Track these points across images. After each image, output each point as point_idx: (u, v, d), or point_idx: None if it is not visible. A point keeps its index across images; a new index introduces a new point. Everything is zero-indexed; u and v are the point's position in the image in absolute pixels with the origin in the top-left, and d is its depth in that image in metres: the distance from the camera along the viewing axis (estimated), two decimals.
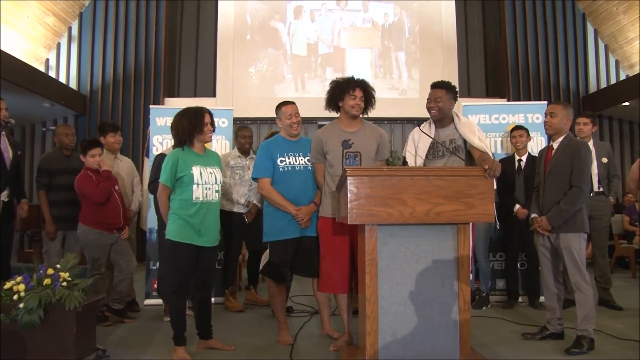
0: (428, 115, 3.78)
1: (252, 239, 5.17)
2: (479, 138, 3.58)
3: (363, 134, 3.68)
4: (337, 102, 3.69)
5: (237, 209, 5.05)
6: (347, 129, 3.68)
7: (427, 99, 3.73)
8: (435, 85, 3.73)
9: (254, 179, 3.97)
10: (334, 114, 3.81)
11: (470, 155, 3.60)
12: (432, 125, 3.76)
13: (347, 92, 3.61)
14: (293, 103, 3.96)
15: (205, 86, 10.09)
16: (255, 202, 5.13)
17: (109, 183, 4.40)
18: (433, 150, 3.70)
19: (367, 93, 3.67)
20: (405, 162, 3.84)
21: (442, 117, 3.70)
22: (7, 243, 4.64)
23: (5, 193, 4.47)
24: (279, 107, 3.96)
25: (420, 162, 3.68)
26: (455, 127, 3.68)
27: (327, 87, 3.75)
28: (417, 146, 3.75)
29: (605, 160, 5.01)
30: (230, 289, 5.12)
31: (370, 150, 3.66)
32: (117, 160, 5.07)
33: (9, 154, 4.55)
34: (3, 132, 4.54)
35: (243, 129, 5.26)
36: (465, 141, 3.62)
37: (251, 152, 5.25)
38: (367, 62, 9.75)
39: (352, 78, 3.68)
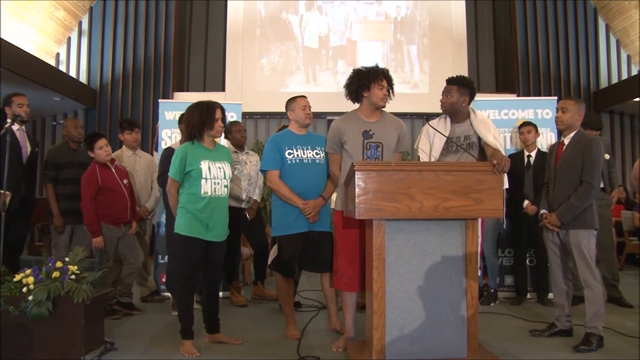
0: (437, 111, 3.77)
1: (255, 236, 5.20)
2: (493, 136, 3.54)
3: (384, 124, 3.55)
4: (362, 92, 3.51)
5: (237, 204, 4.90)
6: (368, 119, 3.54)
7: (442, 93, 3.70)
8: (449, 81, 3.71)
9: (262, 171, 3.95)
10: (343, 109, 3.76)
11: (484, 152, 3.57)
12: (448, 120, 3.73)
13: (375, 81, 3.45)
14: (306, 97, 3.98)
15: (214, 80, 10.10)
16: (255, 197, 5.13)
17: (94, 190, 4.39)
18: (447, 146, 3.66)
19: (390, 84, 3.53)
20: (417, 159, 3.77)
21: (453, 113, 3.68)
22: (21, 237, 4.68)
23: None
24: (293, 99, 3.95)
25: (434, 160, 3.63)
26: (471, 123, 3.65)
27: (338, 80, 3.65)
28: (432, 143, 3.70)
29: (607, 156, 4.96)
30: (234, 284, 5.12)
31: (391, 141, 3.55)
32: (135, 156, 5.14)
33: (27, 148, 4.58)
34: (23, 127, 4.59)
35: (236, 124, 5.23)
36: (479, 138, 3.59)
37: (245, 147, 5.25)
38: (379, 55, 9.64)
39: (379, 67, 3.53)
